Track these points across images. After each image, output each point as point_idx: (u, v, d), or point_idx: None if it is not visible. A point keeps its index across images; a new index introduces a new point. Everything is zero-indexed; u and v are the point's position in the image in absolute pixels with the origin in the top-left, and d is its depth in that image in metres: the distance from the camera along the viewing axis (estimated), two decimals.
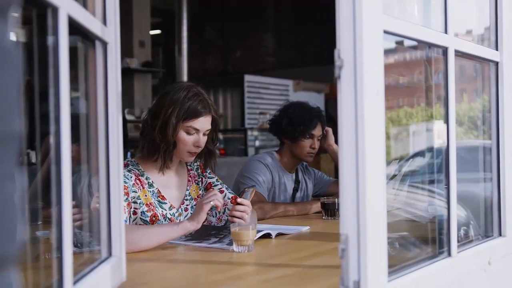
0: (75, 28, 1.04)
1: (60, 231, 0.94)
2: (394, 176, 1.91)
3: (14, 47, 0.52)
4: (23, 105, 0.56)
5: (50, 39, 0.95)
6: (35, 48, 1.01)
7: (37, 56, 1.01)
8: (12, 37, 0.52)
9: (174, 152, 2.10)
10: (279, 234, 2.07)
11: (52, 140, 0.95)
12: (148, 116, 2.11)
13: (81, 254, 1.31)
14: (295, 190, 2.99)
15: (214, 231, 2.05)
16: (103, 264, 1.24)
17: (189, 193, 2.22)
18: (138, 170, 2.10)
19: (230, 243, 1.82)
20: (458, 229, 1.50)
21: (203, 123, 2.07)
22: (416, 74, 1.94)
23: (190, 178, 2.25)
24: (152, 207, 2.06)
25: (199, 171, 2.28)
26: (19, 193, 0.52)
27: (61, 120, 0.95)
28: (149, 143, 2.08)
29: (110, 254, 1.30)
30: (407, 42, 1.45)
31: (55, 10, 0.94)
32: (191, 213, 2.16)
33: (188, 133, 2.06)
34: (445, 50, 1.43)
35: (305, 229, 2.24)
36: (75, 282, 1.02)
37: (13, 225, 0.51)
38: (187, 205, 2.19)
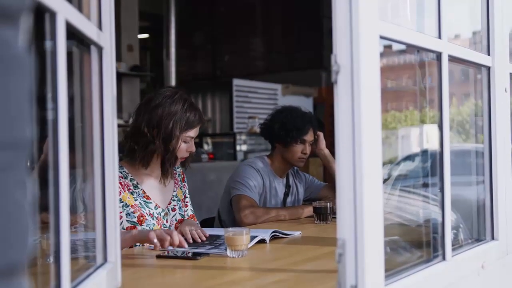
0: (70, 32, 1.03)
1: (58, 238, 0.94)
2: (385, 180, 1.91)
3: (26, 53, 0.52)
4: (34, 111, 0.56)
5: (47, 44, 0.95)
6: (31, 52, 1.00)
7: (34, 60, 1.00)
8: (23, 43, 0.52)
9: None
10: (274, 237, 2.08)
11: (49, 145, 0.94)
12: (141, 125, 2.11)
13: (75, 260, 1.30)
14: (286, 194, 2.99)
15: (209, 239, 2.05)
16: (99, 270, 1.23)
17: (176, 194, 2.29)
18: (121, 173, 2.14)
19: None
20: None
21: (197, 131, 2.21)
22: (405, 78, 1.95)
23: (176, 181, 2.33)
24: (138, 208, 2.11)
25: (180, 178, 2.37)
26: (30, 200, 0.52)
27: (59, 125, 0.94)
28: (148, 153, 2.11)
29: (105, 260, 1.29)
30: (396, 46, 1.46)
31: (53, 15, 0.93)
32: (179, 213, 2.26)
33: (185, 142, 2.18)
34: (439, 55, 1.44)
35: (297, 234, 2.24)
36: None
37: (25, 232, 0.51)
38: (174, 205, 2.26)
